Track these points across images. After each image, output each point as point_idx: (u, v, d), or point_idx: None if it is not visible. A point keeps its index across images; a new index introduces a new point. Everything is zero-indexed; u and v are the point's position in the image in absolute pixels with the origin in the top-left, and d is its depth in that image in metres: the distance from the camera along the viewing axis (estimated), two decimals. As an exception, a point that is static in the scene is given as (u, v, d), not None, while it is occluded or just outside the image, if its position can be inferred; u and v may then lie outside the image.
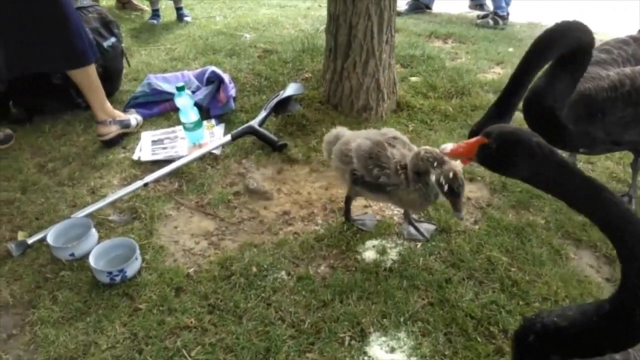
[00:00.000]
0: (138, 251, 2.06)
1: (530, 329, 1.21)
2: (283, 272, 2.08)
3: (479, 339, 1.81)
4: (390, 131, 2.13)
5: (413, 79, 3.60)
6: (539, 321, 1.20)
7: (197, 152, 2.67)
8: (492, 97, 3.42)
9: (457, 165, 1.81)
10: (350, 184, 2.11)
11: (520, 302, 1.93)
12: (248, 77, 3.59)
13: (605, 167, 2.75)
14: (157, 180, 2.56)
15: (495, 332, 1.83)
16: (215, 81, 3.12)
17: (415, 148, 2.05)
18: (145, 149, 2.82)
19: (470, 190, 2.54)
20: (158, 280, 2.03)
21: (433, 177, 1.83)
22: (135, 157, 2.78)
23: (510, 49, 4.54)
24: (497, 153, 1.15)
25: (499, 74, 3.91)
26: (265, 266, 2.10)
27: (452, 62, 4.03)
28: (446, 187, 1.79)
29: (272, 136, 2.81)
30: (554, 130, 2.14)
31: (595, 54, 2.29)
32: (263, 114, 2.91)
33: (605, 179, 2.66)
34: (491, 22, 5.38)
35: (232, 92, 3.09)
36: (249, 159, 2.77)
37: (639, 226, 1.02)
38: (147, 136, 2.93)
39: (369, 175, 1.99)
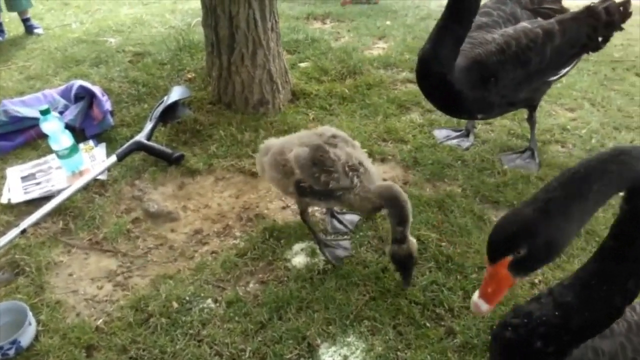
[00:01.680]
0: (30, 314, 1.71)
1: (531, 338, 1.09)
2: (209, 301, 1.86)
3: (428, 324, 1.74)
4: (326, 130, 1.94)
5: (303, 64, 3.46)
6: (537, 323, 1.07)
7: (79, 182, 2.31)
8: (383, 73, 3.41)
9: (414, 246, 1.77)
10: (297, 197, 1.90)
11: (459, 277, 1.90)
12: (123, 86, 3.21)
13: (502, 126, 2.83)
14: (36, 224, 2.17)
15: (442, 314, 1.78)
16: (85, 97, 2.73)
17: (356, 144, 1.92)
18: (14, 188, 2.39)
19: (384, 171, 2.47)
20: (62, 343, 1.71)
21: (388, 249, 1.81)
22: (3, 200, 2.34)
23: (388, 22, 4.58)
24: (531, 255, 0.97)
25: (384, 48, 3.91)
26: (187, 298, 1.86)
27: (336, 42, 3.95)
28: (401, 264, 1.79)
29: (164, 149, 2.52)
30: (450, 97, 2.13)
31: (476, 17, 2.31)
32: (149, 125, 2.60)
33: (505, 137, 2.73)
34: (364, -3, 5.40)
35: (108, 106, 2.72)
36: (143, 178, 2.46)
37: None
38: (14, 173, 2.49)
39: (317, 184, 1.79)
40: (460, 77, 2.09)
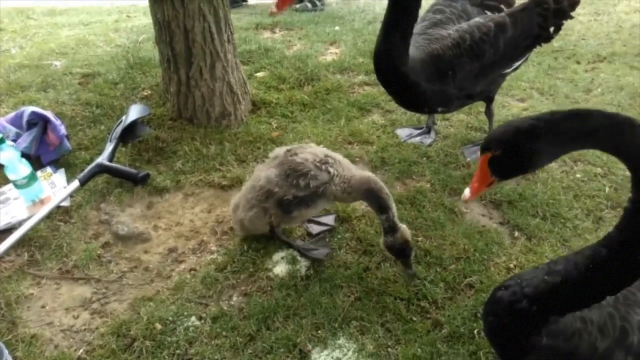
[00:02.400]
0: (6, 352, 1.62)
1: (517, 296, 1.17)
2: (193, 318, 1.82)
3: (414, 319, 1.78)
4: (277, 151, 1.99)
5: (259, 74, 3.46)
6: (525, 285, 1.16)
7: (42, 211, 2.21)
8: (339, 78, 3.45)
9: (406, 231, 1.80)
10: (282, 216, 1.90)
11: (438, 269, 1.95)
12: (76, 109, 3.10)
13: (460, 120, 2.93)
14: (0, 258, 2.07)
15: (427, 307, 1.82)
16: (38, 122, 2.61)
17: (313, 145, 1.95)
18: (-30, 223, 2.26)
19: (354, 173, 2.50)
20: (42, 379, 1.63)
21: (382, 240, 1.83)
22: (-41, 236, 2.21)
23: (337, 28, 4.65)
24: (507, 157, 1.10)
25: (337, 53, 3.96)
26: (170, 318, 1.82)
27: (289, 50, 3.97)
28: (398, 252, 1.82)
29: (128, 169, 2.45)
30: (407, 90, 2.19)
31: (430, 15, 2.40)
32: (110, 147, 2.52)
33: (465, 130, 2.83)
34: (309, 5, 5.46)
35: (63, 130, 2.62)
36: (109, 201, 2.39)
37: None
38: (-33, 206, 2.36)
39: (300, 190, 1.81)
40: (416, 70, 2.16)
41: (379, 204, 1.77)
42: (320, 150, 1.90)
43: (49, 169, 2.56)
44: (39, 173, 2.49)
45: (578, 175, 2.42)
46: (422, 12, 2.64)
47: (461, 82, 2.26)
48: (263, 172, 1.91)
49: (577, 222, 2.15)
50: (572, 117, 1.03)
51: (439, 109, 2.35)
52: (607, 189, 2.32)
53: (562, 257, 1.21)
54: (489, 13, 2.37)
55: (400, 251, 1.81)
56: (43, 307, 1.92)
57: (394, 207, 1.79)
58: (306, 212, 1.90)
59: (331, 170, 1.82)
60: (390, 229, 1.78)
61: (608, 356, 1.12)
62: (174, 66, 2.68)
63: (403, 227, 1.80)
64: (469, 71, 2.25)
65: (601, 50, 3.79)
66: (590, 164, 2.50)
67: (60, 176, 2.54)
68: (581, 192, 2.31)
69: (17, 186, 2.31)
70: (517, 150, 1.08)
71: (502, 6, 2.47)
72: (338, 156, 1.91)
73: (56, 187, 2.45)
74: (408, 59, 2.12)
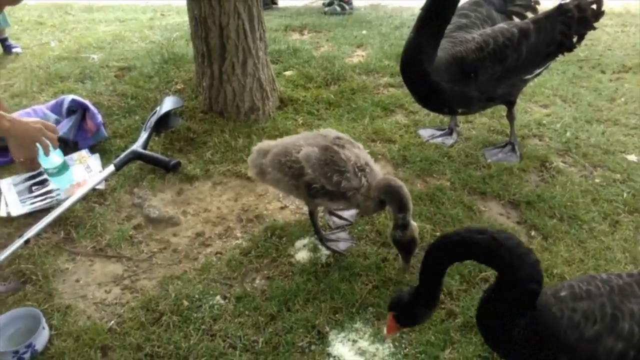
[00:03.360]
0: (43, 319, 1.74)
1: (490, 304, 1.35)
2: (218, 297, 1.92)
3: (430, 308, 1.84)
4: (329, 132, 2.01)
5: (287, 73, 3.56)
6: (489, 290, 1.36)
7: (78, 193, 2.33)
8: (365, 79, 3.54)
9: (416, 230, 1.86)
10: (307, 197, 1.95)
11: (455, 263, 2.00)
12: (112, 100, 3.25)
13: (482, 123, 2.98)
14: (38, 234, 2.19)
15: (442, 298, 1.87)
16: (77, 110, 2.77)
17: (360, 145, 2.00)
18: (12, 201, 2.41)
19: (376, 169, 2.58)
20: (76, 345, 1.74)
21: (390, 232, 1.89)
22: (2, 213, 2.35)
23: (364, 32, 4.74)
24: (403, 318, 1.50)
25: (363, 55, 4.05)
26: (197, 296, 1.92)
27: (317, 51, 4.07)
28: (403, 247, 1.88)
29: (161, 157, 2.57)
30: (428, 88, 2.26)
31: (455, 19, 2.47)
32: (144, 135, 2.65)
33: (486, 133, 2.88)
34: (338, 8, 5.56)
35: (100, 118, 2.76)
36: (142, 186, 2.51)
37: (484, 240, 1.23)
38: (6, 185, 2.50)
39: (330, 184, 1.84)
40: (440, 70, 2.23)
41: (399, 203, 1.81)
42: (364, 156, 1.92)
43: (84, 152, 2.70)
44: (74, 156, 2.63)
45: (597, 180, 2.45)
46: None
47: (483, 84, 2.33)
48: (305, 145, 1.91)
49: (593, 225, 2.18)
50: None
51: (460, 110, 2.42)
52: (625, 195, 2.35)
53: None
54: (516, 19, 2.43)
55: (406, 247, 1.87)
56: (77, 281, 2.04)
57: (411, 207, 1.83)
58: (328, 204, 1.98)
59: (363, 180, 1.85)
60: (403, 225, 1.83)
61: (596, 341, 1.17)
62: (207, 61, 2.80)
63: (414, 225, 1.85)
64: (491, 74, 2.31)
65: (627, 60, 3.80)
66: (609, 170, 2.53)
67: (95, 160, 2.67)
68: (599, 197, 2.34)
69: (48, 174, 2.43)
70: (405, 316, 1.49)
71: (527, 13, 2.53)
72: (376, 166, 1.94)
73: (92, 171, 2.59)
74: (435, 58, 2.19)
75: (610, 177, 2.47)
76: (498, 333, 1.32)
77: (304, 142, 1.96)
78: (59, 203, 2.33)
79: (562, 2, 2.29)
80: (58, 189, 2.45)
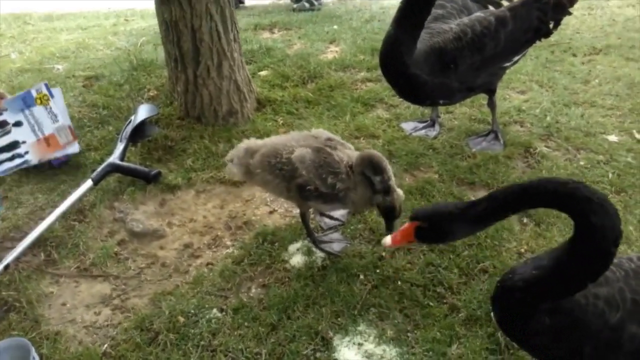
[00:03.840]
0: (33, 349, 1.65)
1: (512, 288, 1.24)
2: (214, 310, 1.85)
3: (431, 304, 1.82)
4: (320, 132, 1.96)
5: (262, 73, 3.49)
6: (517, 279, 1.25)
7: (55, 212, 2.23)
8: (342, 75, 3.49)
9: (401, 196, 1.81)
10: (299, 200, 1.90)
11: (451, 256, 1.99)
12: (82, 111, 3.13)
13: (463, 113, 2.98)
14: (17, 258, 2.08)
15: (443, 292, 1.86)
16: (48, 124, 2.64)
17: (350, 146, 1.95)
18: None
19: (362, 166, 2.55)
20: (69, 373, 1.66)
21: (374, 199, 1.82)
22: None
23: (335, 27, 4.70)
24: (431, 231, 1.37)
25: (337, 51, 4.01)
26: (192, 311, 1.85)
27: (290, 49, 4.01)
28: (384, 212, 1.82)
29: (140, 168, 2.48)
30: (412, 85, 2.24)
31: (432, 10, 2.44)
32: (120, 146, 2.55)
33: (468, 122, 2.88)
34: (307, 4, 5.50)
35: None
36: (122, 200, 2.42)
37: (562, 185, 1.14)
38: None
39: (324, 186, 1.79)
40: (419, 63, 2.21)
41: (372, 166, 1.76)
42: (355, 155, 1.88)
43: (44, 89, 2.50)
44: (33, 92, 2.48)
45: (582, 163, 2.48)
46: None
47: (463, 74, 2.31)
48: (299, 147, 1.86)
49: (583, 208, 2.19)
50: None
51: (441, 102, 2.41)
52: (610, 175, 2.38)
53: (545, 253, 1.34)
54: (491, 8, 2.42)
55: (385, 213, 1.81)
56: (64, 304, 1.94)
57: (390, 171, 1.78)
58: (322, 206, 1.93)
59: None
60: (384, 190, 1.77)
61: (620, 328, 1.16)
62: (181, 65, 2.71)
63: (399, 193, 1.79)
64: (470, 64, 2.30)
65: (596, 43, 3.86)
66: (592, 152, 2.56)
67: (58, 99, 2.53)
68: (586, 179, 2.36)
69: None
70: (438, 228, 1.36)
71: (502, 1, 2.53)
72: None
73: (58, 121, 2.48)
74: (414, 51, 2.16)
75: (594, 159, 2.50)
76: (519, 321, 1.27)
77: (295, 143, 1.91)
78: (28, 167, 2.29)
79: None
80: (24, 142, 2.40)
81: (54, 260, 2.13)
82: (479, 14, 2.33)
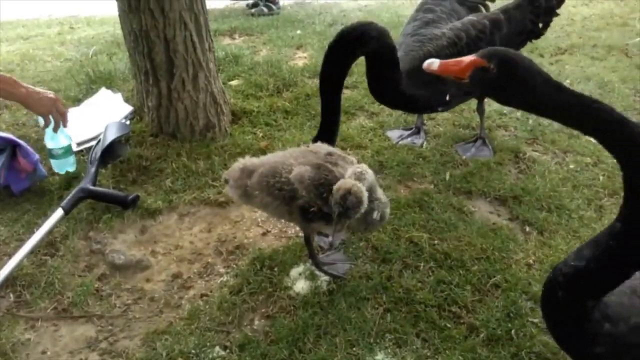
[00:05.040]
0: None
1: (554, 287, 1.17)
2: (217, 348, 1.69)
3: (448, 325, 1.74)
4: (319, 147, 1.82)
5: (233, 82, 3.33)
6: (558, 274, 1.17)
7: (24, 247, 1.99)
8: (316, 82, 3.34)
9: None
10: (302, 223, 1.76)
11: (461, 272, 1.93)
12: (40, 131, 2.85)
13: (445, 119, 2.94)
14: (-18, 303, 1.85)
15: (458, 312, 1.79)
16: (6, 148, 2.37)
17: (353, 159, 1.81)
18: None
19: (353, 179, 2.45)
20: None
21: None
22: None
23: (299, 32, 4.59)
24: (497, 78, 1.12)
25: (306, 57, 3.90)
26: (193, 351, 1.68)
27: (257, 56, 3.87)
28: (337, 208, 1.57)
29: (116, 192, 2.27)
30: (409, 102, 2.20)
31: (420, 15, 2.39)
32: (91, 169, 2.33)
33: (453, 128, 2.84)
34: (265, 9, 5.36)
35: (37, 156, 2.39)
36: (98, 229, 2.20)
37: (635, 128, 1.03)
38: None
39: (326, 206, 1.65)
40: (412, 80, 2.14)
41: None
42: (361, 167, 1.70)
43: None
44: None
45: (571, 166, 2.48)
46: (410, 11, 2.66)
47: None
48: (297, 165, 1.71)
49: (581, 213, 2.19)
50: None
51: (439, 109, 2.35)
52: (601, 178, 2.40)
53: (590, 240, 1.21)
54: (484, 11, 2.39)
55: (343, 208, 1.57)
56: (44, 352, 1.72)
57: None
58: (327, 228, 1.81)
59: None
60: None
61: None
62: (153, 79, 2.51)
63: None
64: None
65: (560, 43, 3.94)
66: (579, 154, 2.58)
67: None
68: (578, 183, 2.36)
69: (51, 155, 2.44)
70: (512, 81, 1.11)
71: (488, 3, 2.51)
72: (372, 179, 1.69)
73: None
74: (401, 77, 2.10)
75: (582, 162, 2.51)
76: (571, 327, 1.16)
77: (293, 160, 1.77)
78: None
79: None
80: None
81: (26, 302, 1.90)
82: (471, 17, 2.29)
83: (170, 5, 2.30)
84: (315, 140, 2.04)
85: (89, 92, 3.23)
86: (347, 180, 1.60)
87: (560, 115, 1.12)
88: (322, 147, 1.83)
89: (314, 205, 1.68)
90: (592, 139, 2.58)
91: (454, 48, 2.19)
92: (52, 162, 2.46)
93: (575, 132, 2.75)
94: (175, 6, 2.31)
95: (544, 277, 1.85)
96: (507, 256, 1.98)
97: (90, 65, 3.69)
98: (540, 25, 2.31)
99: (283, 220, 1.98)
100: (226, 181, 1.86)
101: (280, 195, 1.72)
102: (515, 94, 1.13)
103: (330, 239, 2.06)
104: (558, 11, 2.35)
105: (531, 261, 1.97)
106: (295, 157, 1.78)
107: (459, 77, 1.21)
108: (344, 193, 1.55)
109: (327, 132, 2.10)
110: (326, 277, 1.92)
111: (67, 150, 2.45)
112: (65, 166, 2.48)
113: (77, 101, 3.16)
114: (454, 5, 2.43)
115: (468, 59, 1.17)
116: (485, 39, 2.19)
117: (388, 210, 1.74)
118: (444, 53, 2.20)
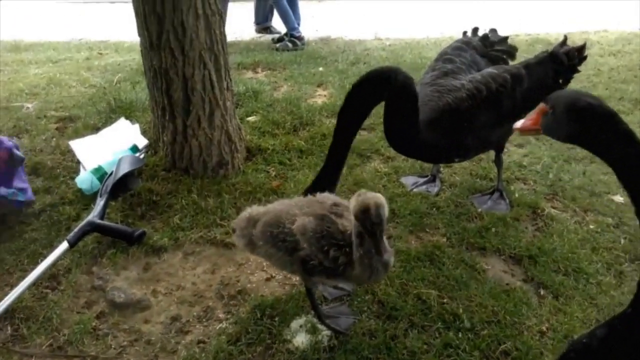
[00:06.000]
0: None
1: None
2: (210, 402, 1.63)
3: (454, 394, 1.65)
4: (326, 197, 1.77)
5: (251, 118, 3.33)
6: (570, 350, 1.20)
7: (27, 280, 1.98)
8: (334, 122, 3.34)
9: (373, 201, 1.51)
10: (303, 275, 1.71)
11: (470, 335, 1.83)
12: (55, 158, 2.88)
13: (463, 168, 2.88)
14: (-23, 335, 1.82)
15: (466, 382, 1.69)
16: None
17: None
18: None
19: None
20: None
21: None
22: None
23: (321, 69, 4.62)
24: (555, 118, 1.20)
25: (325, 95, 3.90)
26: (185, 403, 1.62)
27: (277, 92, 3.89)
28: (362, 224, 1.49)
29: (122, 227, 2.26)
30: (426, 150, 2.16)
31: (439, 65, 2.37)
32: (100, 202, 2.32)
33: (470, 178, 2.78)
34: (290, 45, 5.44)
35: (10, 142, 2.38)
36: (101, 264, 2.18)
37: None
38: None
39: (327, 259, 1.60)
40: (431, 131, 2.11)
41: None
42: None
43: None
44: None
45: (591, 227, 2.39)
46: (434, 52, 2.63)
47: (478, 132, 2.23)
48: (301, 215, 1.67)
49: (599, 278, 2.09)
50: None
51: (456, 160, 2.31)
52: (622, 241, 2.30)
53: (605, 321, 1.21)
54: (508, 62, 2.37)
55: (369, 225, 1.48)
56: (33, 393, 1.69)
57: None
58: (327, 281, 1.75)
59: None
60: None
61: None
62: (169, 115, 2.52)
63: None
64: (486, 122, 2.21)
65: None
66: (600, 214, 2.48)
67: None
68: (598, 245, 2.26)
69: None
70: (563, 119, 1.19)
71: (505, 57, 2.48)
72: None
73: None
74: (419, 128, 2.06)
75: (604, 222, 2.41)
76: None
77: (298, 210, 1.73)
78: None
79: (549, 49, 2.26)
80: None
81: (22, 336, 1.86)
82: (491, 69, 2.26)
83: (190, 44, 2.32)
84: (308, 190, 1.97)
85: (108, 120, 3.27)
86: (357, 199, 1.51)
87: (614, 161, 1.16)
88: (329, 197, 1.78)
89: (314, 258, 1.63)
90: (613, 198, 2.52)
91: (473, 100, 2.15)
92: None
93: (596, 190, 2.66)
94: (196, 46, 2.34)
95: (557, 347, 1.77)
96: (519, 321, 1.89)
97: (112, 93, 3.75)
98: (561, 81, 2.26)
99: (287, 272, 1.92)
100: (233, 230, 1.83)
101: (282, 246, 1.68)
102: (572, 132, 1.20)
103: (329, 291, 2.00)
104: (580, 68, 2.30)
105: (544, 328, 1.87)
106: (301, 206, 1.74)
107: (534, 130, 1.32)
108: (364, 209, 1.47)
109: (328, 178, 2.03)
110: (328, 332, 1.85)
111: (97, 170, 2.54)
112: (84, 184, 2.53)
113: (96, 129, 3.20)
114: (475, 57, 2.40)
115: (536, 110, 1.28)
116: (505, 93, 2.15)
117: (392, 260, 1.67)
118: (464, 106, 2.16)
